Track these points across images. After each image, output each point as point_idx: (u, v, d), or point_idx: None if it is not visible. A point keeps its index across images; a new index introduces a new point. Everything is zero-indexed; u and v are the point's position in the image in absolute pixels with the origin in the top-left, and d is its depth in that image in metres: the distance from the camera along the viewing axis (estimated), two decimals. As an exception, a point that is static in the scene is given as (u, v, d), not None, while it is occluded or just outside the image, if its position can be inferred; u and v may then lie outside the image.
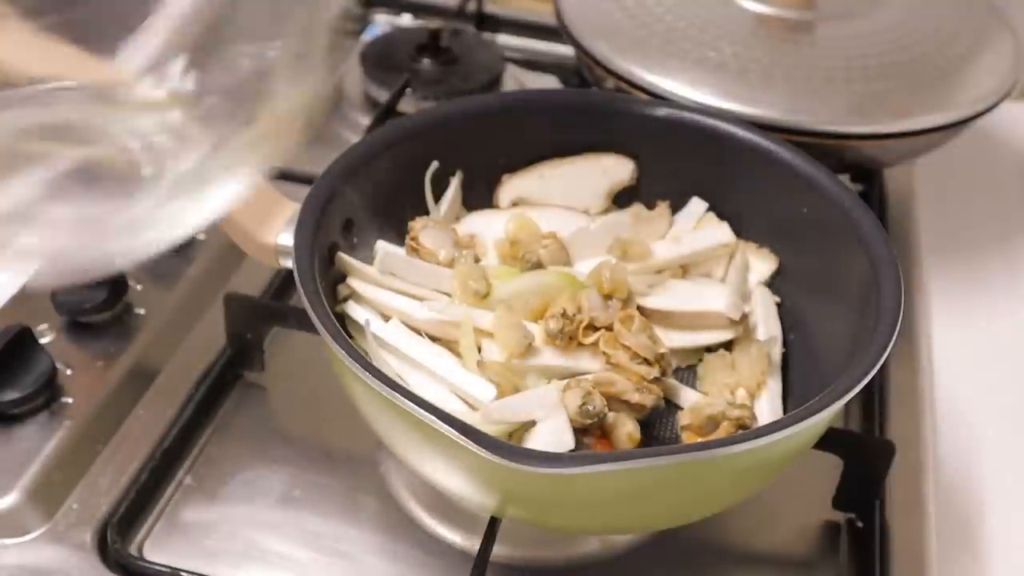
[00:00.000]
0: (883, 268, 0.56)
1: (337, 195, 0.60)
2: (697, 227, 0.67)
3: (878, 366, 0.51)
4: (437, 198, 0.67)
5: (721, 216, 0.68)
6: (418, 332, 0.59)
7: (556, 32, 0.86)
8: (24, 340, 0.62)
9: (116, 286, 0.68)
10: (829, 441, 0.57)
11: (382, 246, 0.63)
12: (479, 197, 0.69)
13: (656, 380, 0.57)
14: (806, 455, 0.55)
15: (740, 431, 0.55)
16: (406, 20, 1.08)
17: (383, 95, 0.90)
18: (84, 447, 0.62)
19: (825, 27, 0.81)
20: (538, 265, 0.63)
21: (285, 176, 0.77)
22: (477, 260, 0.63)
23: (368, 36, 0.99)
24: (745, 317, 0.63)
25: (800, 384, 0.61)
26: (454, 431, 0.46)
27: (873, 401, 0.69)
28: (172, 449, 0.62)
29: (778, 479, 0.54)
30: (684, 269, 0.66)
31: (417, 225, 0.63)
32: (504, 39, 1.05)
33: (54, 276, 0.53)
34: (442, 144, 0.67)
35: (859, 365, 0.51)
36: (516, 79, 0.97)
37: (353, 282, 0.60)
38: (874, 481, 0.61)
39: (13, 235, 0.44)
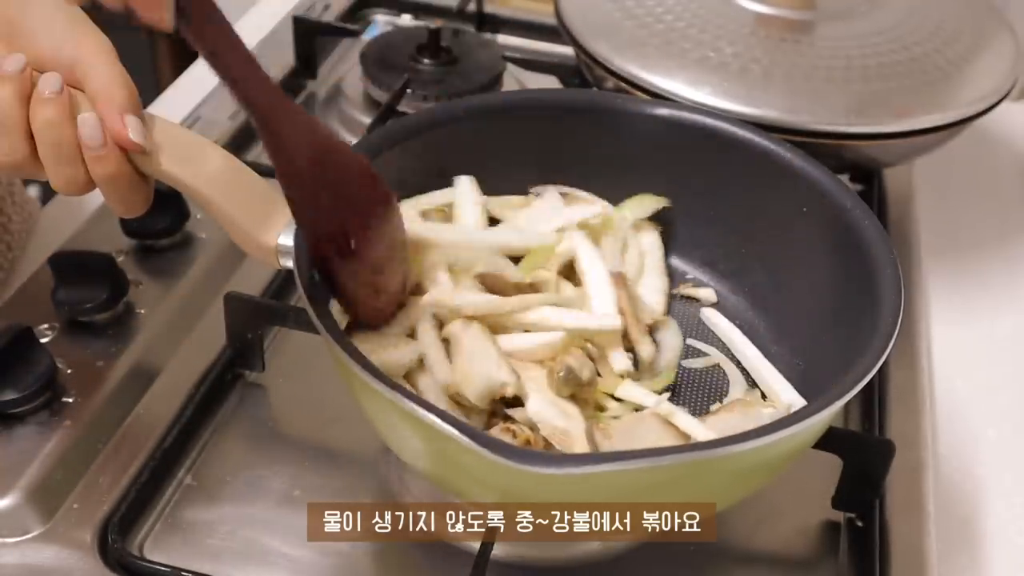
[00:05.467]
0: (883, 268, 0.56)
1: (337, 195, 0.59)
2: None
3: (878, 366, 0.51)
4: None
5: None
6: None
7: (556, 32, 0.86)
8: (24, 339, 0.62)
9: (116, 286, 0.68)
10: (829, 441, 0.57)
11: None
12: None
13: None
14: (806, 455, 0.55)
15: None
16: (406, 20, 1.08)
17: (383, 95, 0.90)
18: (84, 447, 0.62)
19: (825, 27, 0.81)
20: None
21: (285, 176, 0.77)
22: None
23: (368, 36, 0.99)
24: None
25: (800, 383, 0.61)
26: (455, 431, 0.46)
27: (873, 401, 0.69)
28: (172, 449, 0.62)
29: (778, 479, 0.54)
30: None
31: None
32: (504, 39, 1.05)
33: None
34: (442, 144, 0.67)
35: (859, 365, 0.51)
36: (516, 79, 0.97)
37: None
38: (874, 481, 0.61)
39: None
